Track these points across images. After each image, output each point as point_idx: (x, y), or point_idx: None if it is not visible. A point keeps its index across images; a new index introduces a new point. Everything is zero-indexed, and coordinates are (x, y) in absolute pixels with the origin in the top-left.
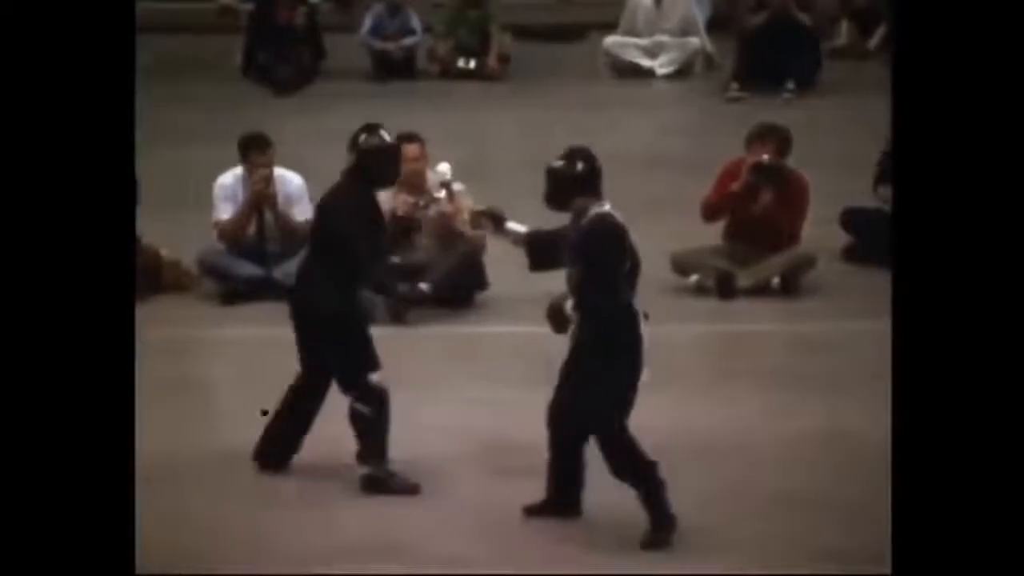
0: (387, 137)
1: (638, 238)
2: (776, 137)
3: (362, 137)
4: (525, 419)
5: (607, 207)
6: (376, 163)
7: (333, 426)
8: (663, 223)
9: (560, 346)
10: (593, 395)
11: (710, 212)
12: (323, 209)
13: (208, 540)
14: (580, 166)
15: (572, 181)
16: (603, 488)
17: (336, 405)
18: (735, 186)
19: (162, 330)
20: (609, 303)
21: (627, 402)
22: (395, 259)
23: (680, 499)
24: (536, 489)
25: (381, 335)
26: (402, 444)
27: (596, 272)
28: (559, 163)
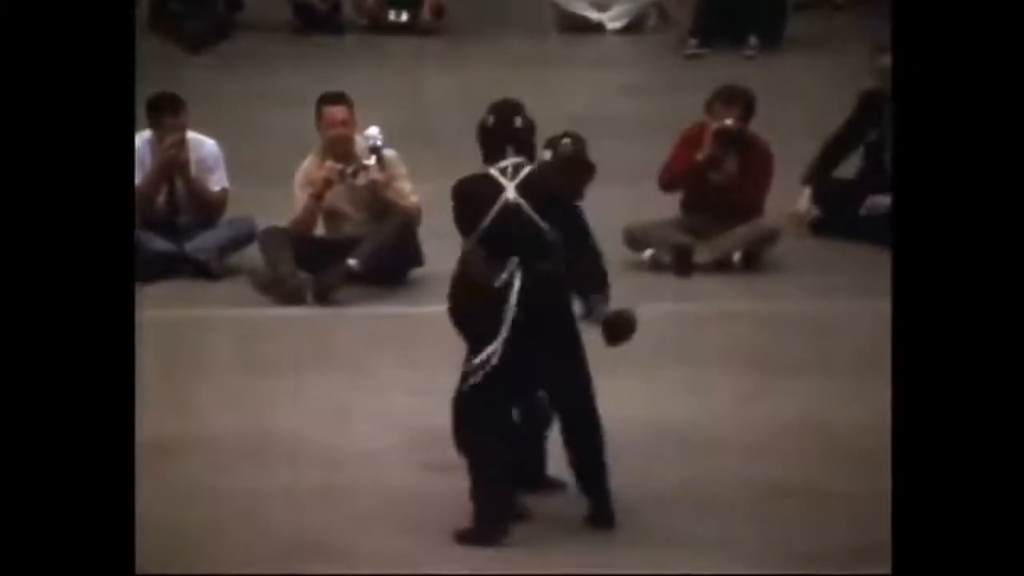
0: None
1: (586, 208)
2: (740, 100)
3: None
4: None
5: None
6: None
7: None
8: (615, 192)
9: None
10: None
11: (669, 181)
12: None
13: None
14: (518, 121)
15: (508, 138)
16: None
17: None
18: (699, 155)
19: None
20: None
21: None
22: (320, 232)
23: (642, 492)
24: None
25: (306, 315)
26: (327, 432)
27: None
28: (490, 119)
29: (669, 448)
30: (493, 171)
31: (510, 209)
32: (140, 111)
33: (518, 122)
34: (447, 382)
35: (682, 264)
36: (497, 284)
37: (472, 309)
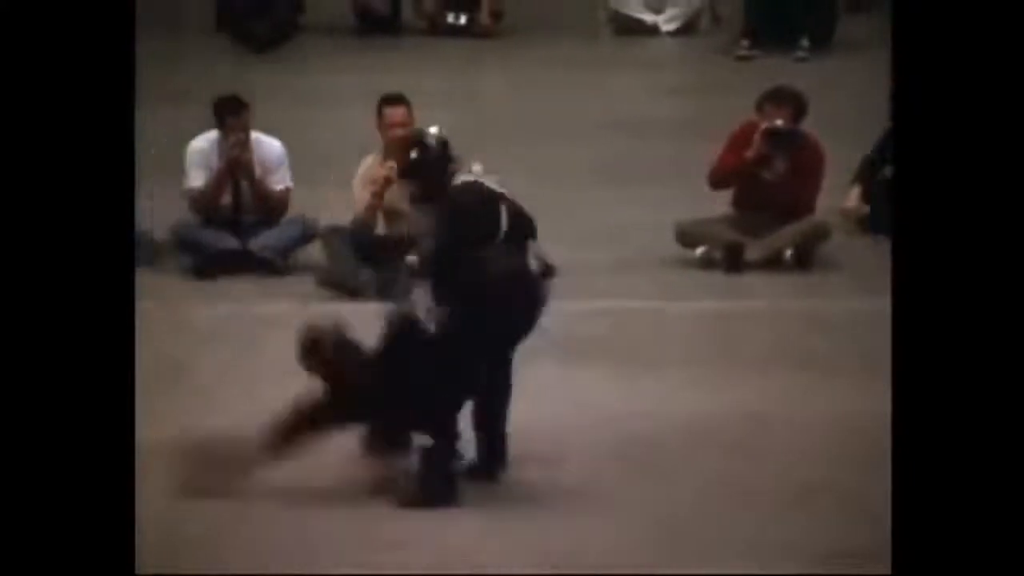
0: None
1: (638, 207)
2: (790, 101)
3: None
4: (532, 398)
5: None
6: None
7: None
8: (667, 191)
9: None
10: None
11: (718, 180)
12: None
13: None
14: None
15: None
16: None
17: None
18: (748, 153)
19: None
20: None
21: None
22: (381, 230)
23: (686, 491)
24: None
25: (371, 309)
26: None
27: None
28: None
29: (716, 446)
30: (473, 178)
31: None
32: (206, 112)
33: (414, 153)
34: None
35: (733, 261)
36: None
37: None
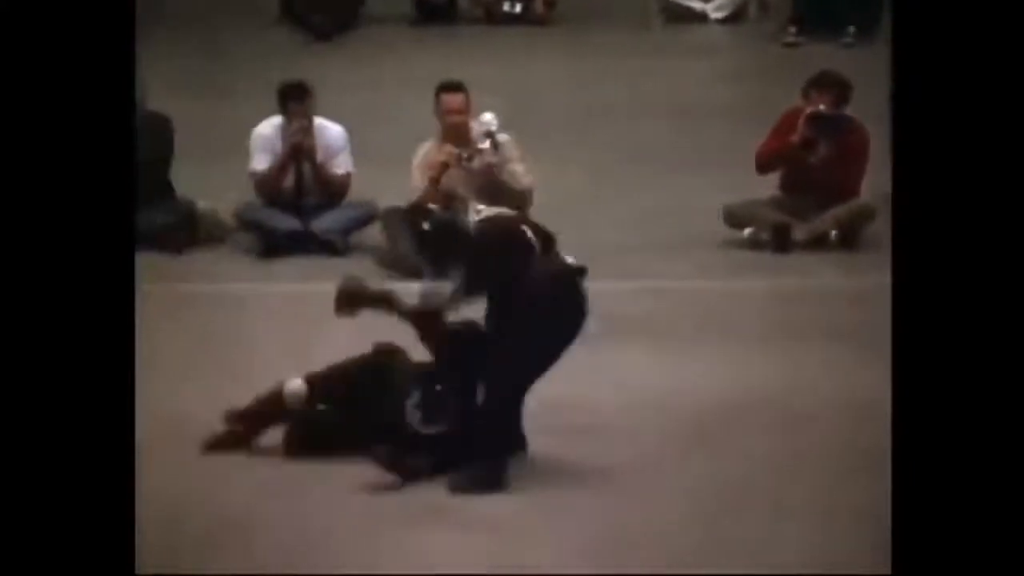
0: None
1: (688, 191)
2: (836, 86)
3: None
4: (581, 377)
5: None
6: None
7: None
8: (716, 174)
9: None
10: None
11: (764, 163)
12: None
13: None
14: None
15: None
16: None
17: None
18: (792, 137)
19: (198, 284)
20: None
21: None
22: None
23: (729, 470)
24: (586, 448)
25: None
26: None
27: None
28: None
29: (762, 423)
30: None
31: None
32: (271, 99)
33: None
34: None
35: (780, 241)
36: None
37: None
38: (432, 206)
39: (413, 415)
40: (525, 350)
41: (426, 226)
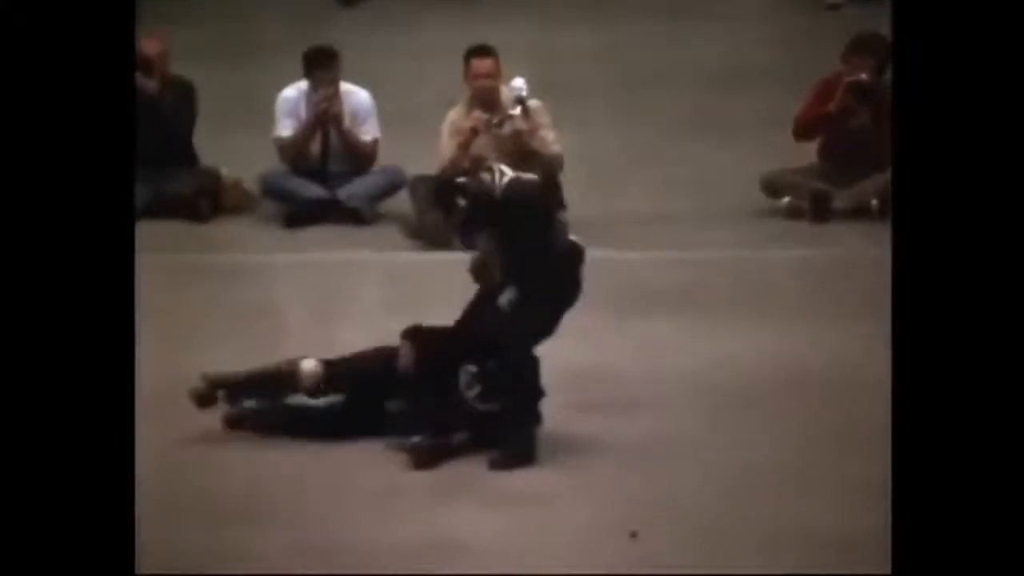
0: None
1: (726, 157)
2: (875, 49)
3: None
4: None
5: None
6: None
7: None
8: (753, 141)
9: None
10: None
11: (803, 131)
12: None
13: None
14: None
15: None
16: None
17: None
18: (831, 106)
19: (224, 254)
20: None
21: None
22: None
23: (778, 438)
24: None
25: (454, 259)
26: None
27: None
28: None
29: (798, 398)
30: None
31: None
32: (296, 64)
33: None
34: (593, 323)
35: (819, 210)
36: None
37: None
38: (461, 179)
39: (471, 389)
40: (545, 320)
41: (461, 202)
